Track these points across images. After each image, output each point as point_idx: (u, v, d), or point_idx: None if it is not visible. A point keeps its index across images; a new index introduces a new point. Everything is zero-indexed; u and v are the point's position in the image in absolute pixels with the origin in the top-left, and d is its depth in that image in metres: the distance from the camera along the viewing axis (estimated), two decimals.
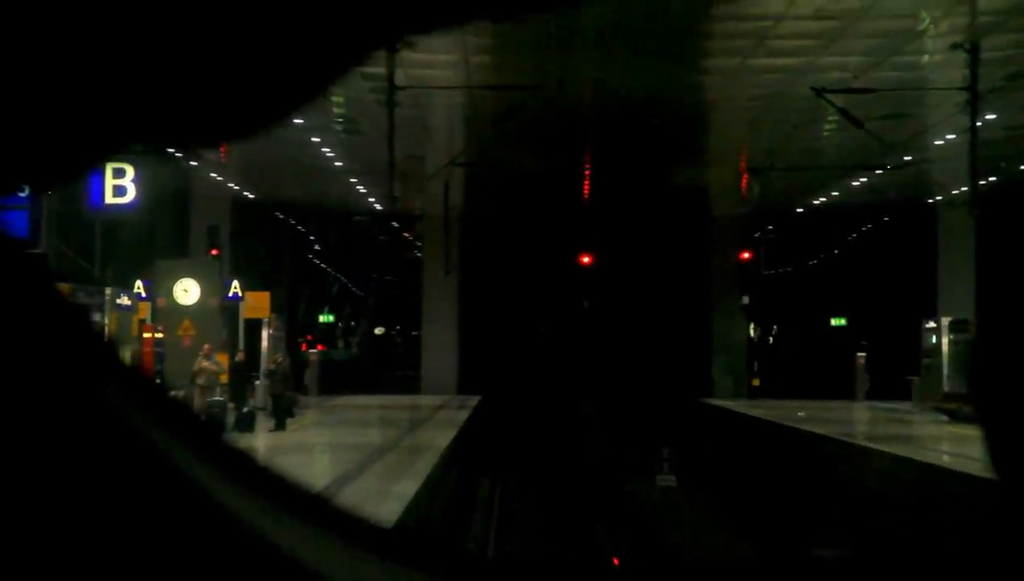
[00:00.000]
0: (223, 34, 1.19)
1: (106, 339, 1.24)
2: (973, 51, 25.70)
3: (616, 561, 23.05)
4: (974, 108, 26.23)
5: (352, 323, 78.85)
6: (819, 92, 28.01)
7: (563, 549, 23.94)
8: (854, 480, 27.73)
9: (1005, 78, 28.64)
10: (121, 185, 25.88)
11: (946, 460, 25.09)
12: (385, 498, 17.54)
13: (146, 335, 28.94)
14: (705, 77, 32.07)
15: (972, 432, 23.57)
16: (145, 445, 1.20)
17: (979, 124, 32.97)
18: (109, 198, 25.79)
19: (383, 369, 64.09)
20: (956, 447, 28.02)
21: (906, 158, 37.14)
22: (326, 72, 1.24)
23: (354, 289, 77.02)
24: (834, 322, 66.02)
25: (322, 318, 71.72)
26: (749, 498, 29.29)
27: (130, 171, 25.88)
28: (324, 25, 1.21)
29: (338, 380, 51.76)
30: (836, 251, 65.83)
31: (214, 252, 40.25)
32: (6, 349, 1.18)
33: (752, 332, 63.01)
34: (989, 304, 1.22)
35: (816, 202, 51.47)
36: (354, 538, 1.25)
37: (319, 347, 57.56)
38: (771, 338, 69.48)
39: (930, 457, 25.68)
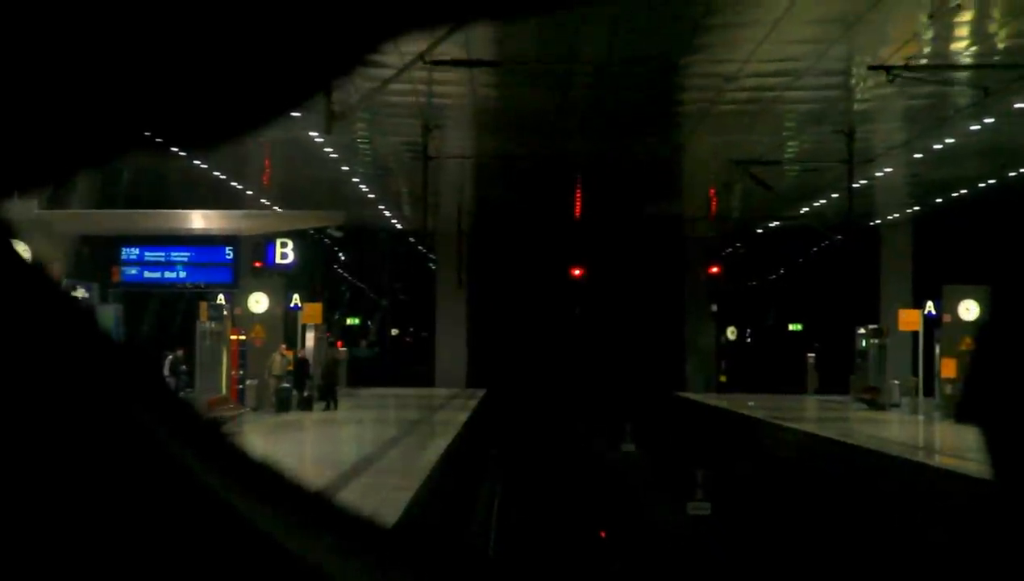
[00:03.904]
0: (223, 31, 1.17)
1: (139, 351, 1.19)
2: (849, 135, 32.46)
3: (603, 534, 27.08)
4: (850, 177, 33.46)
5: (368, 323, 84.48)
6: (738, 162, 34.47)
7: (555, 516, 28.09)
8: (763, 445, 36.60)
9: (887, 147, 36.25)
10: (285, 252, 35.37)
11: (831, 433, 33.35)
12: (426, 449, 26.01)
13: (233, 337, 36.84)
14: (662, 144, 37.96)
15: (878, 416, 33.52)
16: (173, 467, 1.14)
17: (882, 173, 40.98)
18: (278, 260, 35.28)
19: (399, 365, 67.26)
20: (848, 426, 36.33)
21: (803, 210, 44.43)
22: (324, 71, 1.23)
23: (371, 294, 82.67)
24: (792, 327, 70.18)
25: (349, 321, 74.76)
26: (683, 458, 37.52)
27: (291, 244, 35.26)
28: (323, 22, 1.19)
29: (360, 374, 55.59)
30: (800, 261, 68.35)
31: (257, 264, 47.49)
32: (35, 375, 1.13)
33: (731, 335, 69.83)
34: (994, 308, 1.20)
35: (774, 225, 56.69)
36: (354, 537, 1.21)
37: (338, 344, 61.98)
38: (748, 339, 73.44)
39: (823, 431, 34.14)
